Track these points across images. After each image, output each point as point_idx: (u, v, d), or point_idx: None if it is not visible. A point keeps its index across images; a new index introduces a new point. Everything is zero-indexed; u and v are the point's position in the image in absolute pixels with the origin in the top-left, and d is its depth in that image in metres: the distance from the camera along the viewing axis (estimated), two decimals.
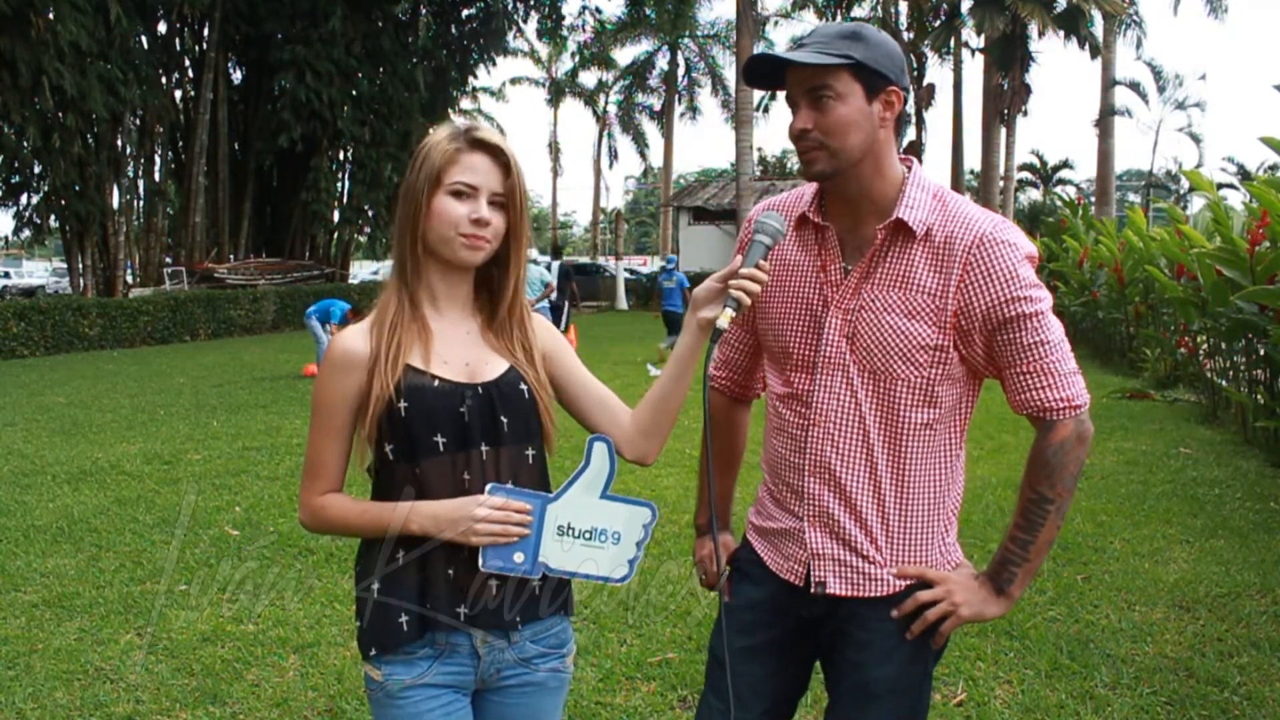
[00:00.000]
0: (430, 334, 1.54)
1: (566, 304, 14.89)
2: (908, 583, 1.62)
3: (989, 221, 1.54)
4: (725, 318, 1.51)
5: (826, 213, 1.64)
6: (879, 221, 1.56)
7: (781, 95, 1.62)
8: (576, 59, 38.97)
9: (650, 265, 45.78)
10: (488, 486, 1.49)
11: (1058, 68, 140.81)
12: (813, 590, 1.64)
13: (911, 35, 27.81)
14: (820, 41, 1.52)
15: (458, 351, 1.55)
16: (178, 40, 21.97)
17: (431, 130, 1.56)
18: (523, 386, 1.55)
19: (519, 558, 1.50)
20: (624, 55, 40.86)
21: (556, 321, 14.78)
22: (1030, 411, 1.55)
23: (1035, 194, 46.86)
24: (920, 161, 1.68)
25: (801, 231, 1.66)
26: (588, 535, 1.53)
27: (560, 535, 1.52)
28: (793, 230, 1.67)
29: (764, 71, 1.57)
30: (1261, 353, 7.18)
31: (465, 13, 25.21)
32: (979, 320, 1.52)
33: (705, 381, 1.61)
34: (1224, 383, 8.36)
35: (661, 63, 39.85)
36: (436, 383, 1.50)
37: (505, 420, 1.52)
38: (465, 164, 1.50)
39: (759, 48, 30.82)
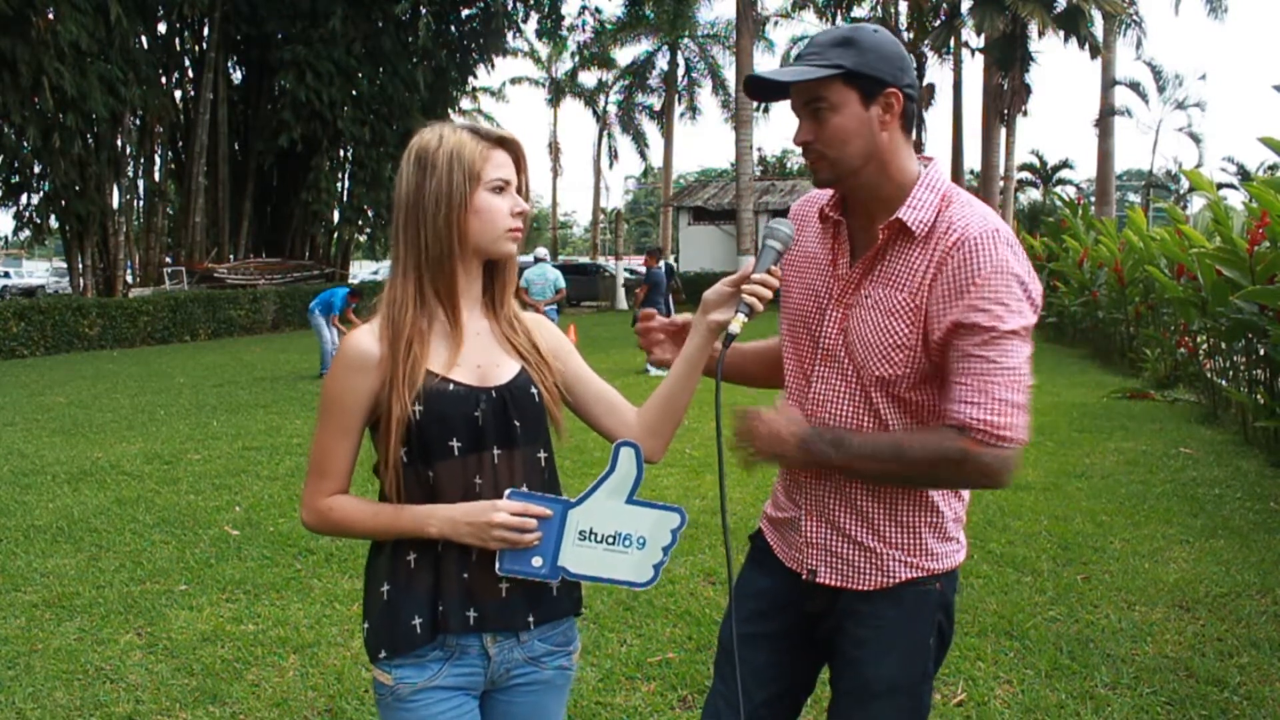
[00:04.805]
0: (446, 337, 1.53)
1: (669, 300, 15.35)
2: (899, 579, 1.63)
3: (979, 227, 1.49)
4: (738, 323, 1.52)
5: (846, 209, 1.66)
6: (886, 220, 1.58)
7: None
8: (576, 59, 38.96)
9: None
10: (506, 492, 1.48)
11: (1058, 68, 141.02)
12: (805, 577, 1.67)
13: (911, 35, 27.79)
14: (813, 53, 1.53)
15: (470, 353, 1.54)
16: (178, 40, 22.00)
17: (427, 130, 1.53)
18: (533, 390, 1.55)
19: (537, 562, 1.49)
20: (624, 55, 40.83)
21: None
22: (950, 425, 1.48)
23: (1035, 194, 46.81)
24: None
25: (822, 225, 1.69)
26: (610, 540, 1.51)
27: (582, 540, 1.51)
28: (817, 223, 1.70)
29: (764, 87, 1.59)
30: (1261, 353, 7.18)
31: (465, 13, 25.21)
32: (936, 320, 1.50)
33: (719, 386, 1.60)
34: (1224, 383, 8.36)
35: (661, 63, 39.87)
36: (452, 386, 1.49)
37: (518, 424, 1.52)
38: (496, 160, 1.52)
39: (759, 48, 30.91)
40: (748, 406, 1.55)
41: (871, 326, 1.57)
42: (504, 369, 1.55)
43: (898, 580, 1.62)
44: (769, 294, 1.52)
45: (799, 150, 1.59)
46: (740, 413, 1.54)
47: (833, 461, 1.53)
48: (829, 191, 1.69)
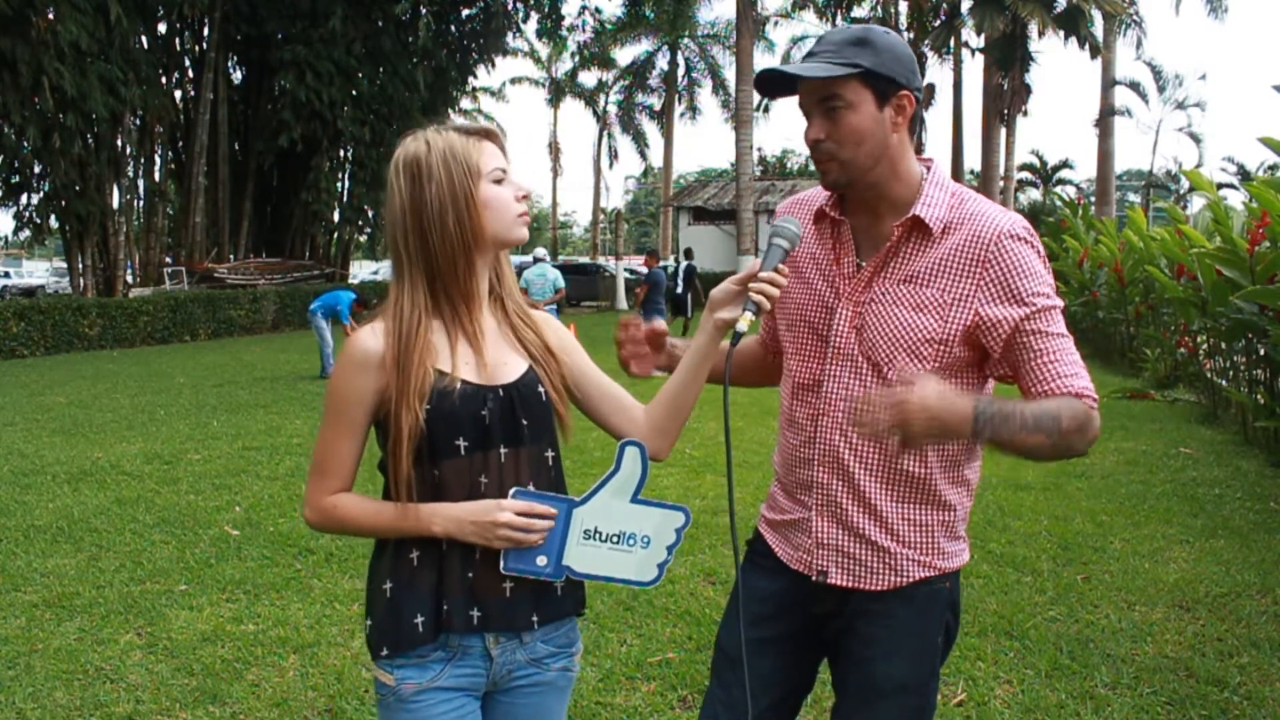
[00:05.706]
0: (455, 336, 1.52)
1: (690, 300, 15.53)
2: (913, 578, 1.62)
3: (1007, 220, 1.55)
4: (745, 321, 1.52)
5: (845, 208, 1.66)
6: (896, 219, 1.58)
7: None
8: (576, 59, 38.94)
9: None
10: (511, 491, 1.48)
11: (1058, 68, 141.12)
12: (814, 579, 1.65)
13: (911, 35, 27.79)
14: (829, 50, 1.53)
15: (478, 351, 1.53)
16: (178, 40, 21.98)
17: (410, 141, 1.51)
18: (540, 389, 1.55)
19: (542, 561, 1.49)
20: (624, 55, 40.86)
21: (680, 314, 15.68)
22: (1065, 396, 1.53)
23: (1035, 194, 46.78)
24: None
25: (819, 225, 1.69)
26: (615, 539, 1.51)
27: (586, 539, 1.51)
28: (811, 224, 1.70)
29: (775, 82, 1.58)
30: (1261, 353, 7.18)
31: (465, 13, 25.21)
32: (1003, 317, 1.53)
33: (727, 384, 1.59)
34: (1224, 383, 8.36)
35: (661, 63, 39.92)
36: (459, 385, 1.49)
37: (525, 423, 1.52)
38: (488, 152, 1.52)
39: (759, 48, 30.90)
40: (890, 389, 1.40)
41: (897, 323, 1.57)
42: (511, 367, 1.54)
43: (911, 580, 1.62)
44: (776, 292, 1.52)
45: (799, 150, 1.61)
46: (884, 398, 1.39)
47: (1000, 436, 1.44)
48: (818, 192, 1.69)
